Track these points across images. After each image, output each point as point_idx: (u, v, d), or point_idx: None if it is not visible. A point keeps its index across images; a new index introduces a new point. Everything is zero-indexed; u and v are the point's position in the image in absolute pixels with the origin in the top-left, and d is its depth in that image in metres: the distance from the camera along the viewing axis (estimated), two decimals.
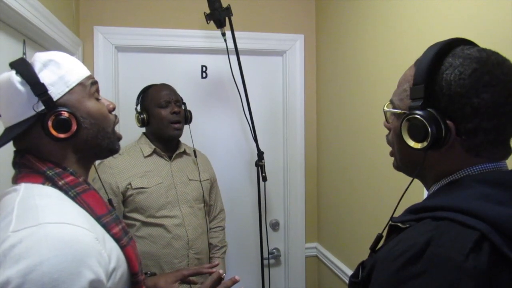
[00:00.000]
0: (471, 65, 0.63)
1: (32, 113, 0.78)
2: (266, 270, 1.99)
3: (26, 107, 0.78)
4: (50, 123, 0.79)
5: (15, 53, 1.37)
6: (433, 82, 0.65)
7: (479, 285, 0.51)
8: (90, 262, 0.70)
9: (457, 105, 0.63)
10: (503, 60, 0.64)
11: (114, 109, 0.94)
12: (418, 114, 0.65)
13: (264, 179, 1.85)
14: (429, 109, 0.64)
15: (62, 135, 0.80)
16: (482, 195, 0.59)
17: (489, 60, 0.63)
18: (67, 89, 0.83)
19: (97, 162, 1.66)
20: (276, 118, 2.34)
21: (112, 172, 1.60)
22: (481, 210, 0.56)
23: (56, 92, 0.81)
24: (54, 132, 0.79)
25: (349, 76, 1.87)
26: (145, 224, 1.62)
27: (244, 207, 2.30)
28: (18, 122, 0.80)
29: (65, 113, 0.80)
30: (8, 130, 0.82)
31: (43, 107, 0.79)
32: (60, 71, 0.83)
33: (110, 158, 1.63)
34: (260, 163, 1.86)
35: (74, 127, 0.81)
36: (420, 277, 0.54)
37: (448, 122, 0.63)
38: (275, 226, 2.35)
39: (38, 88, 0.78)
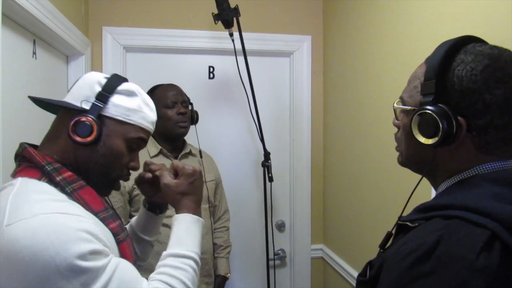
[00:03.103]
0: (483, 61, 0.62)
1: (78, 105, 0.83)
2: (271, 271, 1.98)
3: (81, 99, 0.84)
4: (75, 121, 0.81)
5: (26, 52, 1.39)
6: (444, 78, 0.65)
7: (490, 284, 0.50)
8: (90, 237, 0.72)
9: (469, 101, 0.62)
10: None
11: (134, 169, 0.95)
12: (429, 109, 0.64)
13: (270, 179, 1.84)
14: (440, 105, 0.64)
15: (77, 138, 0.82)
16: (492, 194, 0.58)
17: (501, 57, 0.63)
18: (119, 118, 0.87)
19: None
20: (282, 119, 2.34)
21: None
22: (492, 209, 0.56)
23: (111, 111, 0.86)
24: (71, 129, 0.81)
25: (356, 77, 1.87)
26: None
27: (250, 208, 2.30)
28: (68, 102, 0.85)
29: (94, 124, 0.82)
30: (62, 101, 0.86)
31: (87, 108, 0.83)
32: (131, 105, 0.88)
33: None
34: (266, 164, 1.86)
35: (90, 139, 0.82)
36: (430, 276, 0.53)
37: (459, 118, 0.63)
38: (281, 227, 2.35)
39: (102, 96, 0.84)
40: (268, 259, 1.93)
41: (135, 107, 0.89)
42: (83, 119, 0.81)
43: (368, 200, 1.77)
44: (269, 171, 1.85)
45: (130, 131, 0.89)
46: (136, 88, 0.91)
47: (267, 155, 1.86)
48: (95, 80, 0.86)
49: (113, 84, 0.87)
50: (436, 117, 0.63)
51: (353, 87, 1.91)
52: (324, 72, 2.30)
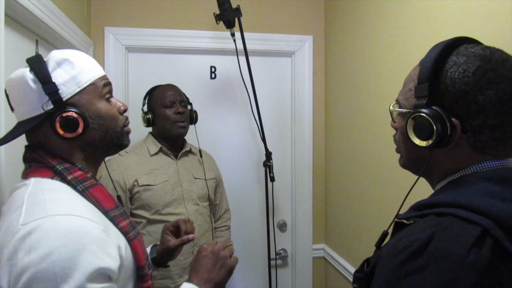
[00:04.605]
0: (475, 63, 0.63)
1: (42, 111, 0.80)
2: (273, 271, 1.99)
3: (37, 104, 0.80)
4: (57, 123, 0.80)
5: (28, 52, 1.40)
6: (437, 80, 0.65)
7: (480, 280, 0.51)
8: (98, 251, 0.72)
9: (462, 102, 0.63)
10: (507, 57, 0.64)
11: (125, 111, 0.95)
12: (423, 112, 0.65)
13: (272, 179, 1.85)
14: (434, 107, 0.64)
15: (68, 135, 0.82)
16: (486, 192, 0.59)
17: (493, 58, 0.63)
18: (78, 89, 0.84)
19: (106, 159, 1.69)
20: (284, 118, 2.35)
21: (119, 170, 1.63)
22: (485, 206, 0.56)
23: (67, 91, 0.83)
24: (60, 131, 0.81)
25: (358, 78, 1.87)
26: (151, 221, 1.63)
27: (252, 208, 2.31)
28: (29, 118, 0.82)
29: (73, 113, 0.81)
30: (19, 124, 0.84)
31: (52, 106, 0.80)
32: (73, 71, 0.84)
33: (117, 156, 1.66)
34: (268, 164, 1.86)
35: (81, 128, 0.83)
36: (422, 272, 0.54)
37: (453, 119, 0.63)
38: (282, 226, 2.35)
39: (49, 87, 0.80)
40: (269, 259, 1.94)
41: (77, 70, 0.84)
42: (62, 117, 0.80)
43: (369, 200, 1.77)
44: (271, 171, 1.86)
45: (94, 89, 0.87)
46: (58, 54, 0.85)
47: (268, 155, 1.87)
48: (26, 80, 0.80)
49: (42, 69, 0.80)
50: (430, 119, 0.63)
51: (355, 87, 1.91)
52: (326, 72, 2.31)
